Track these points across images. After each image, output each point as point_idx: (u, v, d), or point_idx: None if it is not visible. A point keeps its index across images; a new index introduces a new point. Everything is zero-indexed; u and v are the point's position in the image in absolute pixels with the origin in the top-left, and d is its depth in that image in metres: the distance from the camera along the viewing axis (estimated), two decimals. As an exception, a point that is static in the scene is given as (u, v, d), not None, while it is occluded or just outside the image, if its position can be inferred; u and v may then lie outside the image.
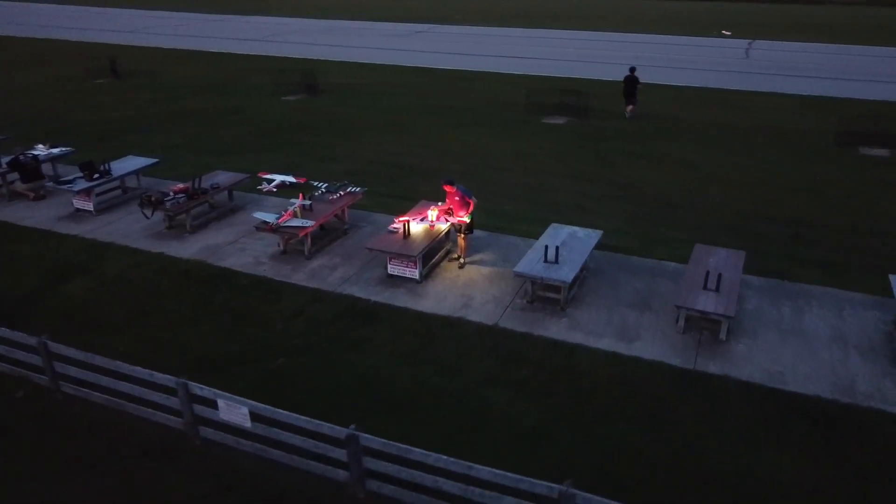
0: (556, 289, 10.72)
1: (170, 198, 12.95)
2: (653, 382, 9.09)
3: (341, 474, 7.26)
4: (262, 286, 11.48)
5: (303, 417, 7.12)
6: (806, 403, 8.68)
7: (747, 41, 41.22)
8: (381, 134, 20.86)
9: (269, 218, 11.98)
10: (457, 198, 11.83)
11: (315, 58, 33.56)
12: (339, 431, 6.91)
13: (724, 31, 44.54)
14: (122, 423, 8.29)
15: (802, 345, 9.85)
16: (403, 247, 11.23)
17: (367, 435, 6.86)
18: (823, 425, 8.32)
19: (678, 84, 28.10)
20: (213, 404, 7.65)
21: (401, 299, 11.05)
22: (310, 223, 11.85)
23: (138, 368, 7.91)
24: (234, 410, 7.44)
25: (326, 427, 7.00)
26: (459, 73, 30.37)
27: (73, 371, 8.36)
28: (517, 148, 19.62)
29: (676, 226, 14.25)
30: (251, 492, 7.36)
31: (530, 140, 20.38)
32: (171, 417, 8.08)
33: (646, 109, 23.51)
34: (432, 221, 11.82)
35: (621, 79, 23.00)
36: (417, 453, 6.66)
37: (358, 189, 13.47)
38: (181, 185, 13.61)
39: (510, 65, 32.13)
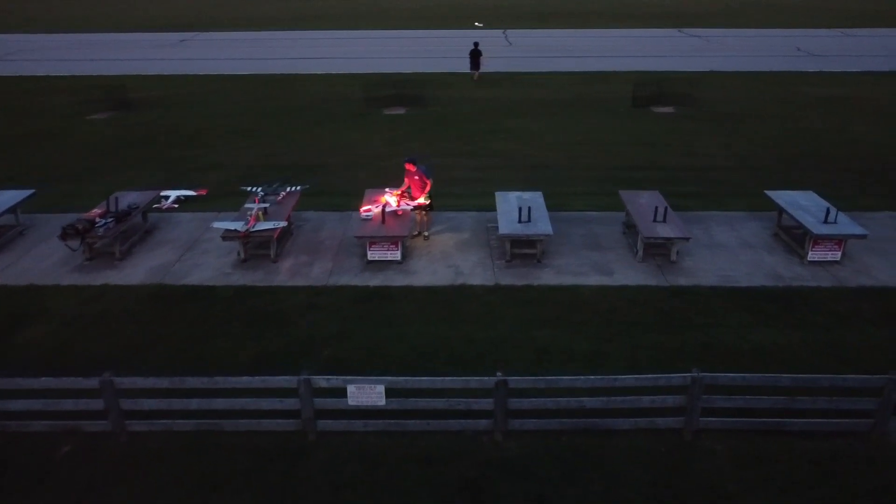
0: (531, 244, 12.03)
1: (100, 223, 11.67)
2: (650, 300, 10.89)
3: (482, 424, 7.85)
4: (249, 293, 11.10)
5: (447, 378, 7.59)
6: (757, 292, 11.14)
7: (500, 31, 45.82)
8: (235, 140, 20.13)
9: (236, 225, 11.52)
10: (416, 177, 12.51)
11: (97, 74, 30.34)
12: (487, 381, 7.52)
13: (476, 24, 48.86)
14: (221, 442, 7.85)
15: (726, 253, 12.39)
16: (389, 231, 11.65)
17: (515, 377, 7.58)
18: (780, 302, 10.80)
19: (448, 71, 30.62)
20: (335, 393, 7.69)
21: (397, 280, 11.50)
22: (282, 222, 11.66)
23: (246, 378, 7.62)
24: (367, 392, 7.60)
25: (474, 381, 7.56)
26: (269, 77, 29.78)
27: (149, 404, 7.69)
28: (379, 137, 20.35)
29: (566, 182, 16.33)
30: (399, 462, 7.61)
31: (386, 130, 21.21)
32: (279, 421, 7.89)
33: (469, 94, 25.72)
34: (398, 207, 12.33)
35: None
36: (566, 380, 7.58)
37: (298, 187, 13.36)
38: (97, 211, 12.28)
39: (316, 66, 32.21)
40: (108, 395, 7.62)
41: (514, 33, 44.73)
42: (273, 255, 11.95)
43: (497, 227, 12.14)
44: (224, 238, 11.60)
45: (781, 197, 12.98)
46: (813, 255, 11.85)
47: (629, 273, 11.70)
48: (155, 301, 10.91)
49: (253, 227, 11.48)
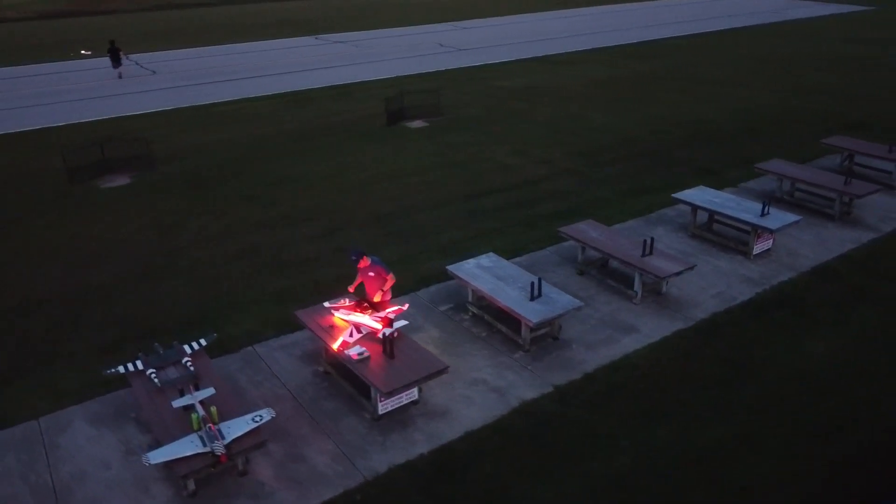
0: (541, 324, 9.80)
1: None
2: (700, 348, 9.94)
3: None
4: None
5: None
6: (758, 304, 11.08)
7: (126, 58, 38.66)
8: None
9: (199, 446, 6.66)
10: (371, 273, 9.22)
11: None
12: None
13: (83, 52, 40.49)
14: None
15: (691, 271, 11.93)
16: (415, 369, 8.13)
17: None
18: (785, 309, 10.84)
19: (134, 113, 24.92)
20: None
21: (443, 431, 8.22)
22: (265, 414, 7.15)
23: None
24: None
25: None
26: None
27: None
28: (134, 225, 14.80)
29: (434, 230, 14.09)
30: None
31: (130, 212, 15.52)
32: None
33: (189, 140, 20.78)
34: (384, 326, 8.72)
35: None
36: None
37: (203, 341, 8.52)
38: None
39: None
40: None
41: (146, 58, 38.12)
42: (241, 466, 7.39)
43: (455, 307, 10.44)
44: (185, 477, 6.67)
45: (693, 198, 13.07)
46: (756, 249, 12.18)
47: (649, 322, 10.41)
48: None
49: (227, 436, 6.83)
